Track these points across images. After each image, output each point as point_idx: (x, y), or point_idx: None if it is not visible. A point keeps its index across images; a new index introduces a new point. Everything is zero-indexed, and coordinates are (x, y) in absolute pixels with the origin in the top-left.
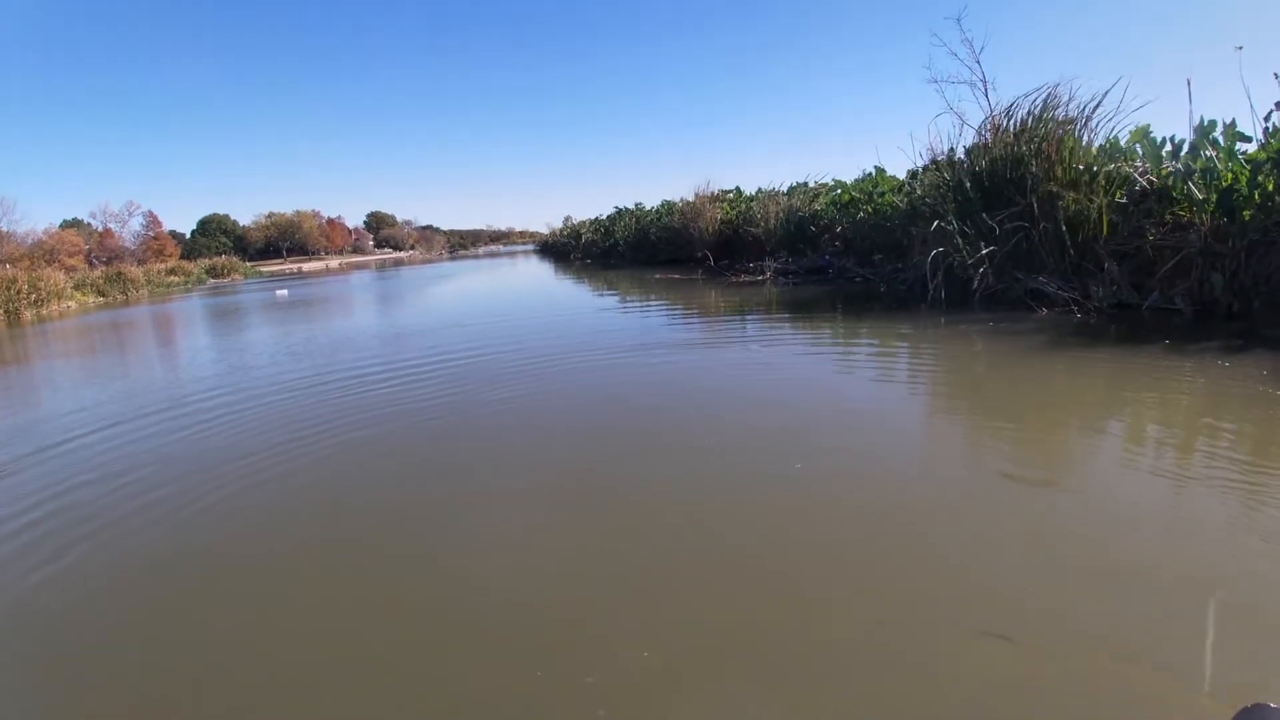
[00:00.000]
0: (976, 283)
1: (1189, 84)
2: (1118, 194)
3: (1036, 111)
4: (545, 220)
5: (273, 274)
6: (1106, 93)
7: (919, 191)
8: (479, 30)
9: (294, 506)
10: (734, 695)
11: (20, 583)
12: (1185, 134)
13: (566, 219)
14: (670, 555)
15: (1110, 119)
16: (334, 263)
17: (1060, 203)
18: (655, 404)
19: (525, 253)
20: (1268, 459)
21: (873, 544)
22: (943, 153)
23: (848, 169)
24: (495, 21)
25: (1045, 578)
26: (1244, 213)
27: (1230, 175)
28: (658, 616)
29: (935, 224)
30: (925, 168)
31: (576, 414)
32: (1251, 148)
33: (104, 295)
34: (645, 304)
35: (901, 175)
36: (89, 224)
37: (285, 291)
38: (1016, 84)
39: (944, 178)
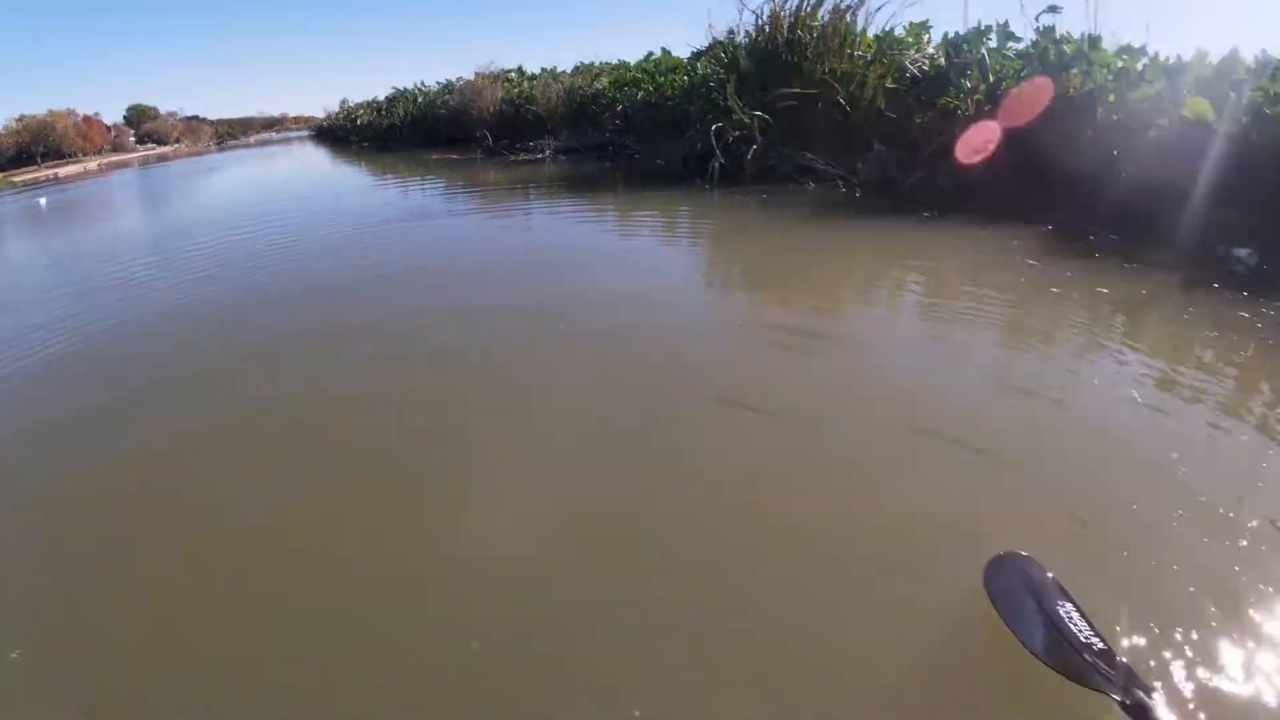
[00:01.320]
0: (750, 158)
1: None
2: (889, 79)
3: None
4: (322, 104)
5: (27, 183)
6: None
7: (700, 72)
8: None
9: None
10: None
11: None
12: (960, 29)
13: (343, 102)
14: (450, 408)
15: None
16: (92, 164)
17: (835, 86)
18: (424, 271)
19: (300, 139)
20: (1017, 307)
21: (634, 388)
22: (724, 34)
23: (634, 51)
24: None
25: (804, 382)
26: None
27: (997, 69)
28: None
29: (713, 100)
30: (707, 49)
31: (351, 283)
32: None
33: None
34: (423, 183)
35: (686, 58)
36: None
37: (44, 200)
38: None
39: (723, 58)
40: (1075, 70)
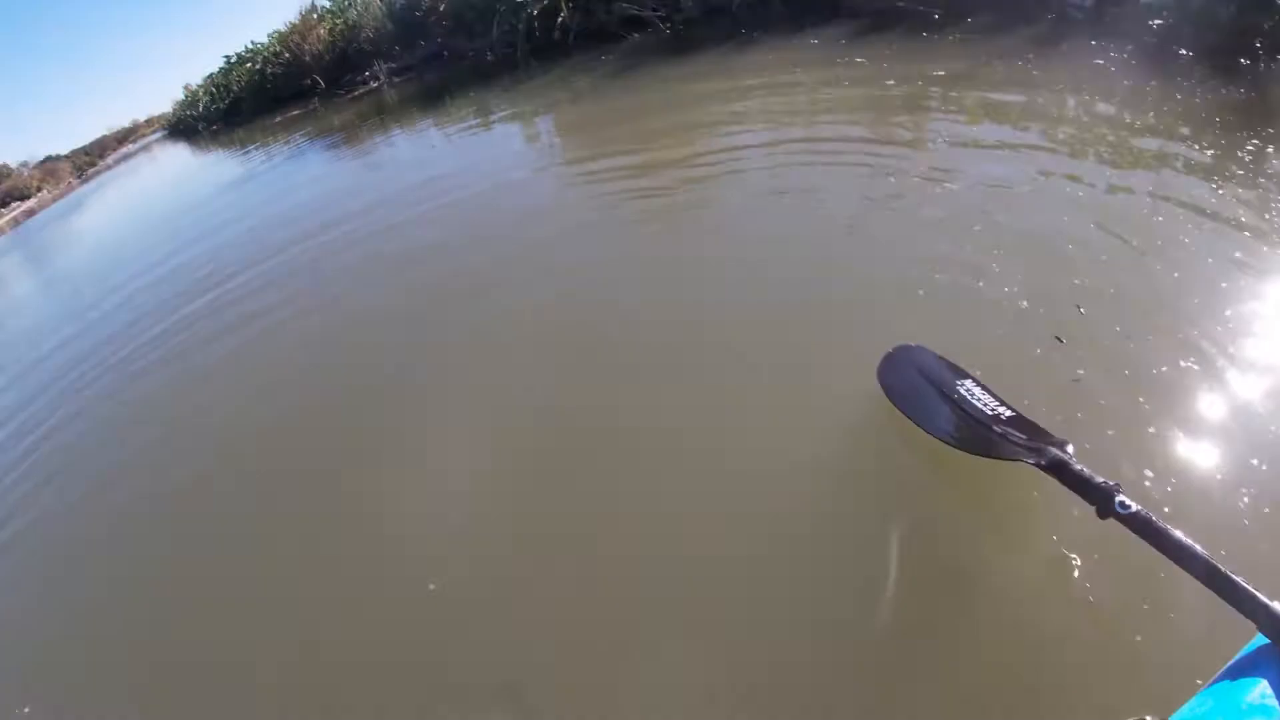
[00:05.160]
0: (570, 26)
1: None
2: None
3: None
4: (169, 97)
5: None
6: None
7: None
8: None
9: None
10: None
11: None
12: None
13: (187, 88)
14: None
15: None
16: None
17: None
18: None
19: (158, 142)
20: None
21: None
22: None
23: None
24: None
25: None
26: None
27: None
28: None
29: None
30: None
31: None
32: None
33: None
34: (268, 153)
35: None
36: None
37: None
38: None
39: None
40: None
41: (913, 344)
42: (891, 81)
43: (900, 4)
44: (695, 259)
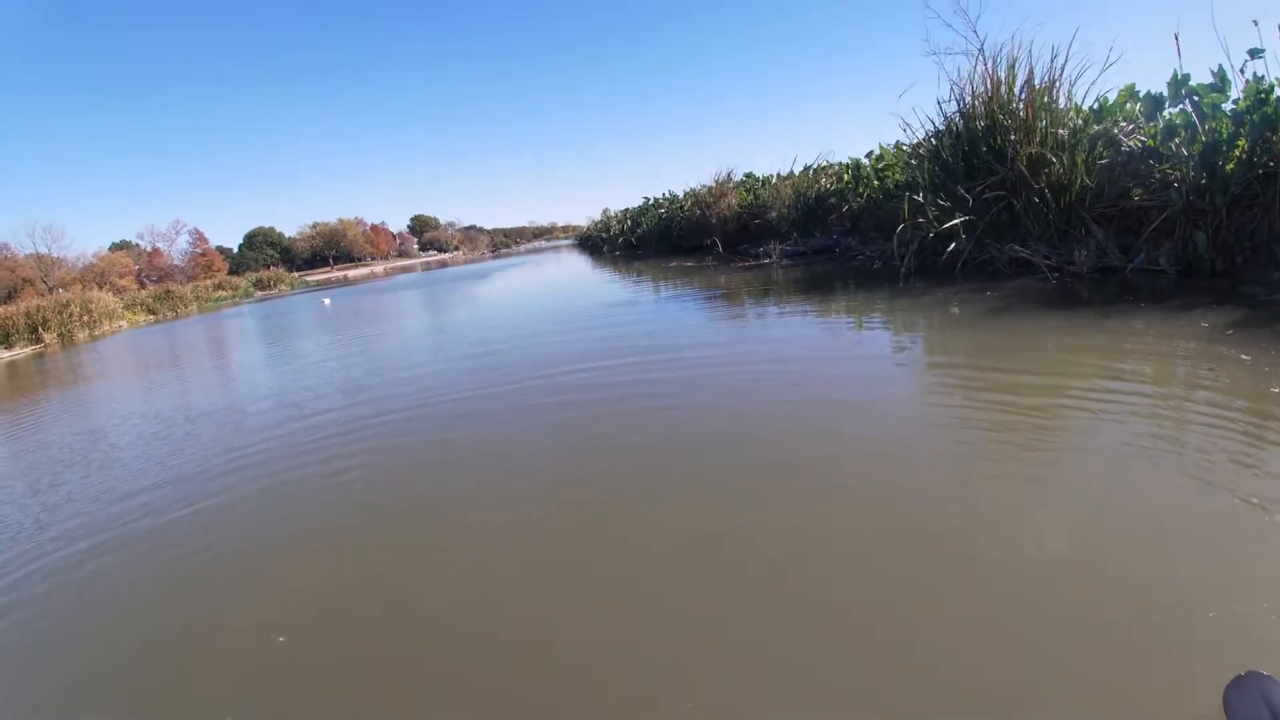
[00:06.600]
0: (962, 253)
1: (1177, 39)
2: (1104, 154)
3: (1003, 76)
4: (586, 213)
5: (319, 283)
6: (1069, 47)
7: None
8: (508, 34)
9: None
10: None
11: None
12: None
13: (605, 211)
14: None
15: (1091, 73)
16: (379, 268)
17: (1043, 169)
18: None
19: (566, 247)
20: (1214, 418)
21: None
22: (935, 124)
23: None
24: (523, 25)
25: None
26: (1227, 167)
27: (1210, 131)
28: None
29: (911, 198)
30: (922, 141)
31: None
32: (1229, 102)
33: (154, 313)
34: (656, 289)
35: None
36: (138, 245)
37: (329, 300)
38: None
39: (919, 152)
40: None
41: (1264, 672)
42: (1277, 390)
43: None
44: (1034, 483)
